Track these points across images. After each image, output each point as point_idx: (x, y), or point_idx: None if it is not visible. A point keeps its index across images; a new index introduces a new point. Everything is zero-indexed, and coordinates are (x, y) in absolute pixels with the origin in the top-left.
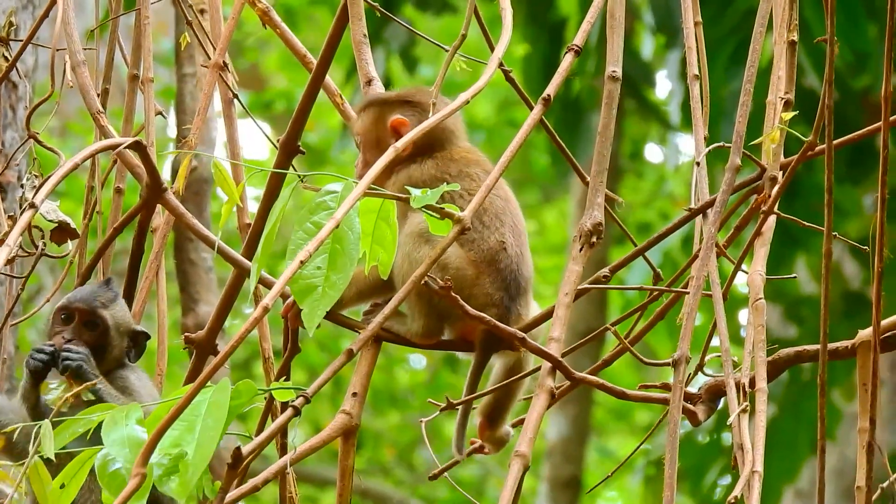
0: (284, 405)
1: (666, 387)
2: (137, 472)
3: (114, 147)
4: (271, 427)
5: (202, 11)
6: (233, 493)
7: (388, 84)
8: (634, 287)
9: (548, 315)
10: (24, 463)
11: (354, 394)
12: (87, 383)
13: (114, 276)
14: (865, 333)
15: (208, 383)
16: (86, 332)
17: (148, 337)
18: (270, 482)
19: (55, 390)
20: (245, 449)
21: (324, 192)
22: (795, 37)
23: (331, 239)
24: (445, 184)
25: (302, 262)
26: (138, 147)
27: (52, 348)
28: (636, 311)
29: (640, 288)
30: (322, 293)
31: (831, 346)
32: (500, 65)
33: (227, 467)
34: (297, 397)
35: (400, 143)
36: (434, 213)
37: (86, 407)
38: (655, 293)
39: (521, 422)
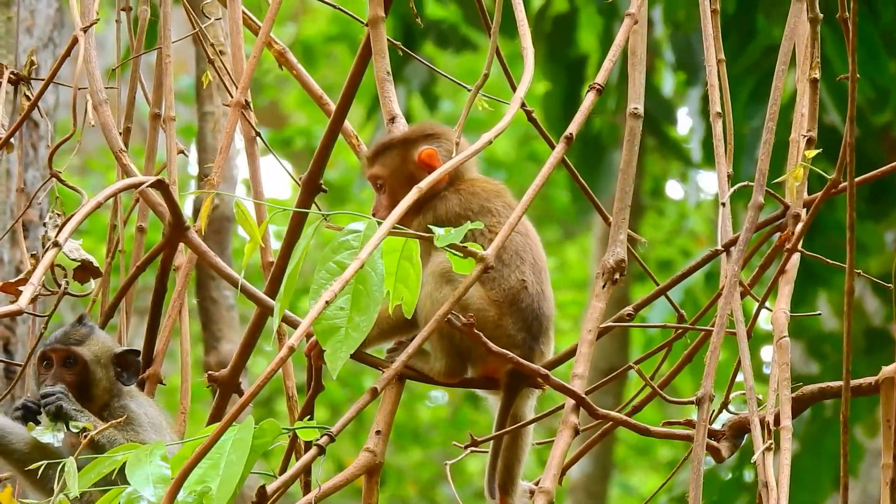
0: (308, 444)
1: (690, 424)
2: None
3: (136, 185)
4: (296, 466)
5: (222, 52)
6: None
7: (409, 121)
8: (659, 325)
9: (571, 353)
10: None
11: (378, 431)
12: (74, 422)
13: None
14: (889, 370)
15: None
16: (66, 373)
17: (137, 353)
18: None
19: (44, 431)
20: (270, 487)
21: (346, 232)
22: (818, 74)
23: (354, 279)
24: (469, 221)
25: (327, 302)
26: (161, 185)
27: (23, 402)
28: (660, 349)
29: (664, 326)
30: (345, 335)
31: (854, 382)
32: (523, 104)
33: None
34: (321, 436)
35: (424, 184)
36: (457, 253)
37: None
38: (679, 331)
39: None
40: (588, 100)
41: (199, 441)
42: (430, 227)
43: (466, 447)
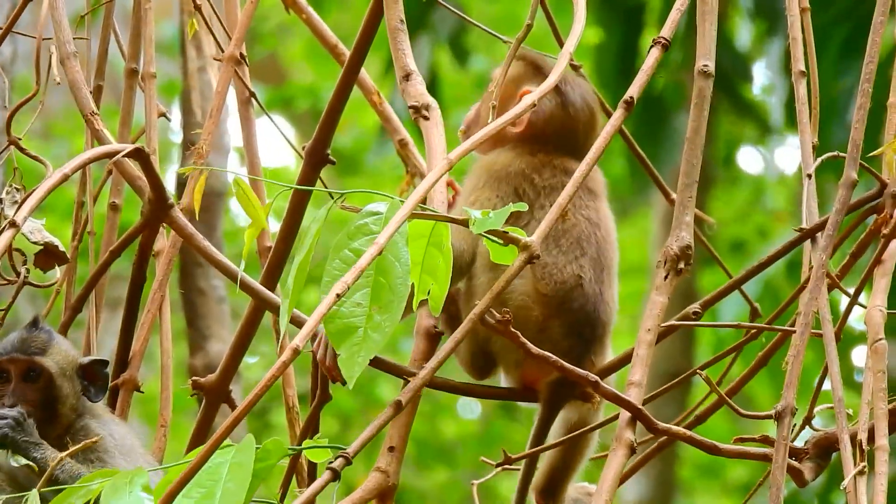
0: (313, 465)
1: (767, 441)
2: None
3: (110, 155)
4: (306, 494)
5: None
6: None
7: (431, 79)
8: (729, 325)
9: (627, 358)
10: None
11: (391, 448)
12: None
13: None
14: None
15: (225, 441)
16: (28, 389)
17: (106, 364)
18: None
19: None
20: None
21: (365, 214)
22: None
23: (374, 270)
24: (515, 197)
25: (338, 295)
26: (139, 155)
27: None
28: (731, 351)
29: (737, 326)
30: (363, 336)
31: None
32: (571, 61)
33: None
34: (335, 458)
35: (454, 154)
36: (496, 239)
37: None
38: (754, 331)
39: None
40: (652, 57)
41: (185, 466)
42: (466, 209)
43: (498, 465)
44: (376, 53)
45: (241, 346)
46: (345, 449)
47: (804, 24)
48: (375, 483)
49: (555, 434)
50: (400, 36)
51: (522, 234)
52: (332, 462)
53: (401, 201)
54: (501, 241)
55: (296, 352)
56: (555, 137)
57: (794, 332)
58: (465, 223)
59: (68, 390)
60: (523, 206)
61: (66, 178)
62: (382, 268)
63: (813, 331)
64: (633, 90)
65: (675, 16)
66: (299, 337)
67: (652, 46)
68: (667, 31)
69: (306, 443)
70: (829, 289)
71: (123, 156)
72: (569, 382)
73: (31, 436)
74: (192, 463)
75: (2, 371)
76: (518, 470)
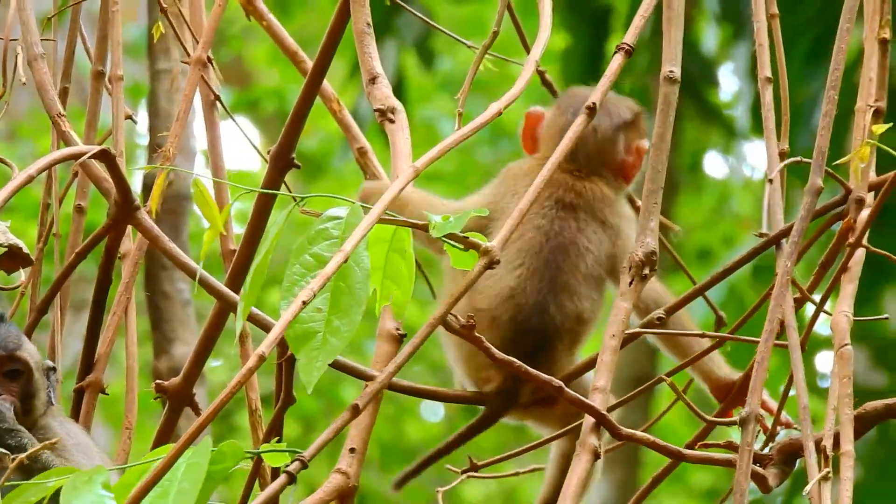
0: (276, 469)
1: (731, 446)
2: None
3: (77, 156)
4: (261, 497)
5: None
6: None
7: (398, 81)
8: (693, 334)
9: (591, 363)
10: None
11: (352, 450)
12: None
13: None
14: None
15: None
16: (12, 385)
17: (54, 370)
18: None
19: None
20: None
21: (325, 218)
22: (888, 34)
23: (334, 276)
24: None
25: (305, 302)
26: (105, 157)
27: None
28: (696, 359)
29: (701, 334)
30: (323, 341)
31: None
32: (543, 78)
33: None
34: (292, 461)
35: (420, 163)
36: (457, 245)
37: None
38: (718, 340)
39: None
40: (615, 63)
41: (145, 466)
42: (427, 213)
43: (464, 472)
44: (342, 57)
45: (204, 350)
46: (301, 453)
47: (773, 30)
48: (336, 484)
49: (553, 460)
50: (366, 39)
51: (483, 240)
52: (288, 465)
53: (362, 206)
54: (462, 246)
55: (261, 358)
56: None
57: (758, 341)
58: (426, 228)
59: (41, 385)
60: (483, 212)
61: (31, 179)
62: (342, 272)
63: (776, 342)
64: (596, 96)
65: (638, 22)
66: (265, 344)
67: (615, 52)
68: (630, 37)
69: (264, 446)
70: (798, 302)
71: (90, 157)
72: (514, 391)
73: (15, 424)
74: (157, 466)
75: None
76: (483, 478)
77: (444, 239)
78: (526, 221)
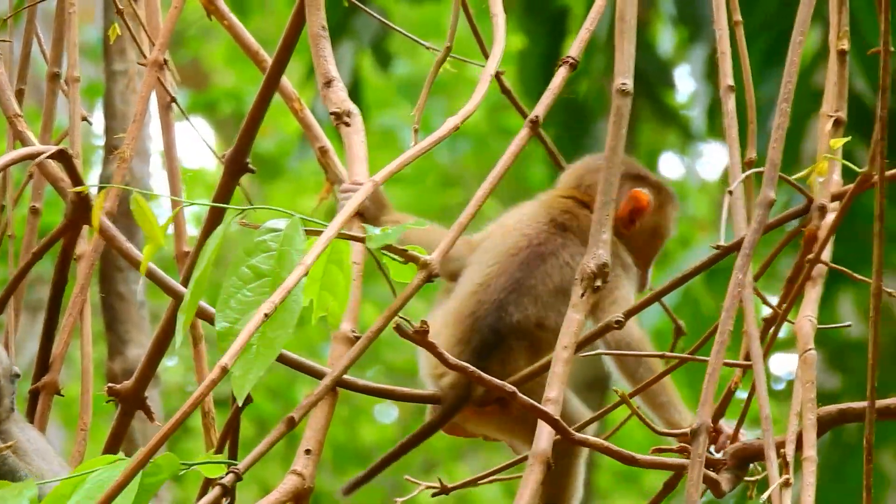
0: (209, 481)
1: (684, 450)
2: None
3: (34, 156)
4: None
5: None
6: None
7: (354, 84)
8: (653, 354)
9: (544, 368)
10: None
11: (308, 451)
12: None
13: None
14: None
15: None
16: None
17: (18, 376)
18: None
19: None
20: None
21: (264, 230)
22: (846, 45)
23: (268, 287)
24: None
25: (266, 315)
26: (63, 157)
27: None
28: (648, 385)
29: (661, 355)
30: (256, 353)
31: (881, 403)
32: (500, 83)
33: None
34: (226, 473)
35: (379, 176)
36: (396, 257)
37: None
38: (677, 361)
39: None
40: (559, 77)
41: (80, 478)
42: (366, 226)
43: (434, 495)
44: (298, 59)
45: (157, 353)
46: (236, 465)
47: (737, 37)
48: (292, 485)
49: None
50: (321, 42)
51: (423, 252)
52: (222, 478)
53: (308, 220)
54: (401, 259)
55: (224, 370)
56: None
57: (708, 361)
58: (362, 240)
59: (7, 391)
60: (422, 223)
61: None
62: (277, 284)
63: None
64: (539, 109)
65: (584, 35)
66: (227, 356)
67: (560, 66)
68: (574, 50)
69: (201, 457)
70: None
71: (47, 157)
72: (468, 387)
73: None
74: (116, 483)
75: None
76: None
77: (383, 251)
78: (515, 231)
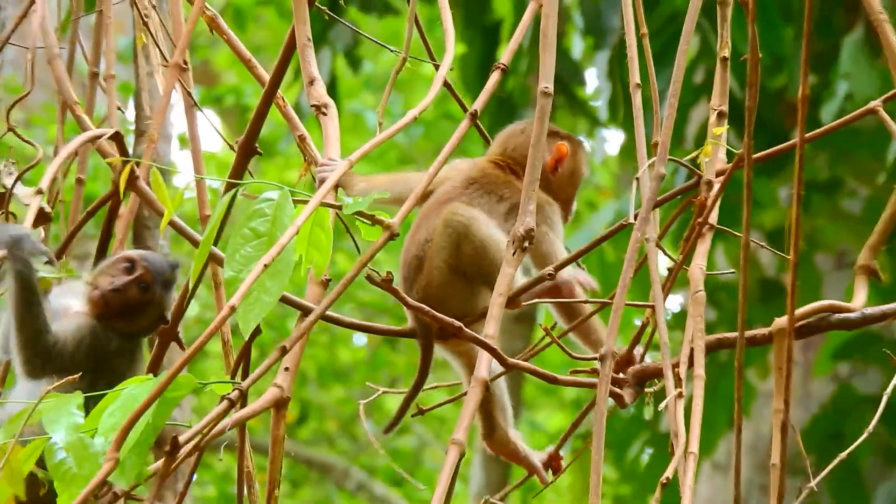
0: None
1: (596, 372)
2: (111, 456)
3: (96, 138)
4: (206, 418)
5: (147, 17)
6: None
7: (331, 82)
8: (581, 301)
9: (483, 313)
10: None
11: (286, 368)
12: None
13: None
14: (781, 321)
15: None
16: (135, 290)
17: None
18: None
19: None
20: (182, 438)
21: (261, 200)
22: (727, 53)
23: (265, 244)
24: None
25: (266, 265)
26: (116, 137)
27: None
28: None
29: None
30: (257, 298)
31: (749, 333)
32: (445, 83)
33: (165, 454)
34: (232, 390)
35: (354, 156)
36: (365, 220)
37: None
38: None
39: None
40: (493, 79)
41: (115, 394)
42: (343, 197)
43: (413, 415)
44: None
45: (184, 296)
46: (240, 384)
47: (644, 46)
48: (272, 395)
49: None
50: (307, 50)
51: (387, 217)
52: (229, 394)
53: (292, 191)
54: (370, 223)
55: (232, 309)
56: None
57: (649, 305)
58: (339, 208)
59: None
60: (385, 194)
61: (70, 154)
62: (273, 242)
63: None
64: (478, 104)
65: (513, 45)
66: (235, 297)
67: (494, 70)
68: (505, 58)
69: (213, 377)
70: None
71: (106, 138)
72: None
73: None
74: (149, 395)
75: (133, 265)
76: (399, 392)
77: (354, 216)
78: (440, 188)
